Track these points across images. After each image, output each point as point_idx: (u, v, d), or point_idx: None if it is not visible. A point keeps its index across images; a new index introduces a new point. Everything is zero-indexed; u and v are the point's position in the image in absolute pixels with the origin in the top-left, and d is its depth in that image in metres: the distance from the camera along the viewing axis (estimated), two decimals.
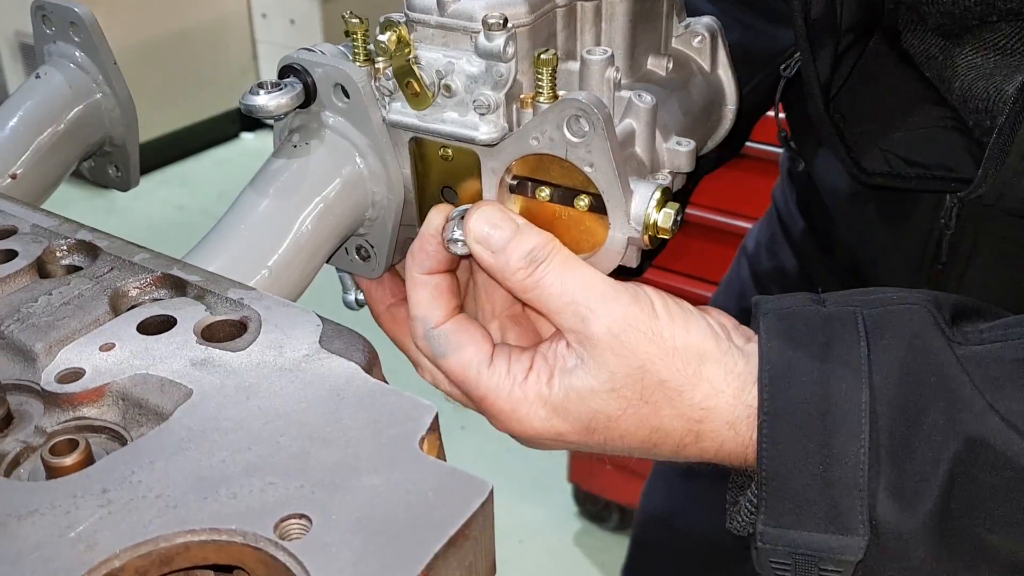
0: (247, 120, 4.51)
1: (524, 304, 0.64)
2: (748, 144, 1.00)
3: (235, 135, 4.50)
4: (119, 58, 0.73)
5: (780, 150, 1.08)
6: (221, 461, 0.39)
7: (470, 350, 0.62)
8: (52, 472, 0.40)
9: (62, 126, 0.73)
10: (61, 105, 0.73)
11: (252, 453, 0.39)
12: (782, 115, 0.93)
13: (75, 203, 3.61)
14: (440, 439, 0.42)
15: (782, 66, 0.85)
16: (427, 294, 0.62)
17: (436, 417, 0.41)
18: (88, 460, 0.40)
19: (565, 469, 2.33)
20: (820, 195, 0.97)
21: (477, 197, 0.63)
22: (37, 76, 0.74)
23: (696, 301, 0.63)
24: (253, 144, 4.50)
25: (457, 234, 0.60)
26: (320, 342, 0.46)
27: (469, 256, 0.61)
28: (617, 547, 2.34)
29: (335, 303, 0.71)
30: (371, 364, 0.46)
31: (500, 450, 2.51)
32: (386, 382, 0.45)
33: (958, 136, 0.76)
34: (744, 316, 0.91)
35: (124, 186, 0.79)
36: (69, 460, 0.40)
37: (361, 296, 0.71)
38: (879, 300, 0.61)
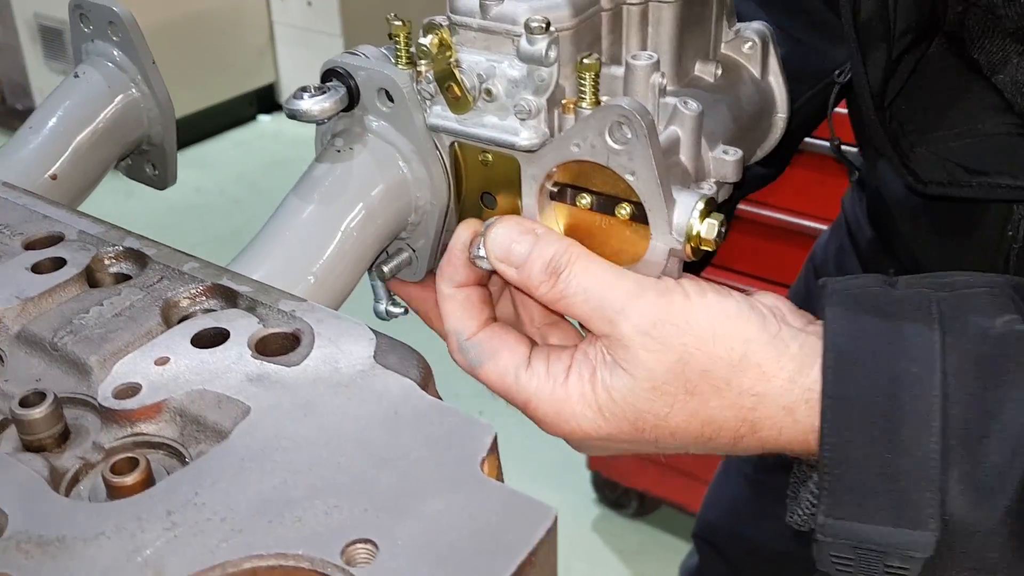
0: (264, 102, 4.50)
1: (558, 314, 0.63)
2: (813, 141, 0.98)
3: (252, 117, 4.50)
4: None
5: (851, 148, 1.06)
6: (283, 482, 0.39)
7: (504, 356, 0.61)
8: (113, 491, 0.40)
9: (101, 125, 0.73)
10: (99, 104, 0.73)
11: (314, 474, 0.39)
12: (840, 125, 0.91)
13: None
14: (499, 460, 0.42)
15: (836, 72, 0.83)
16: (458, 306, 0.63)
17: (495, 438, 0.41)
18: (149, 479, 0.40)
19: (584, 456, 2.33)
20: (887, 204, 0.95)
21: (516, 203, 0.62)
22: (76, 76, 0.73)
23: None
24: (270, 126, 4.50)
25: (482, 251, 0.60)
26: (375, 357, 0.46)
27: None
28: (635, 534, 2.35)
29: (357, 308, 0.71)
30: (426, 380, 0.45)
31: (519, 436, 2.51)
32: (440, 398, 0.45)
33: None
34: None
35: (161, 184, 0.79)
36: (130, 479, 0.40)
37: (392, 307, 0.71)
38: (955, 283, 0.58)
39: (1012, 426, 0.53)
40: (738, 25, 0.70)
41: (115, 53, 0.74)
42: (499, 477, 0.41)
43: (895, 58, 0.72)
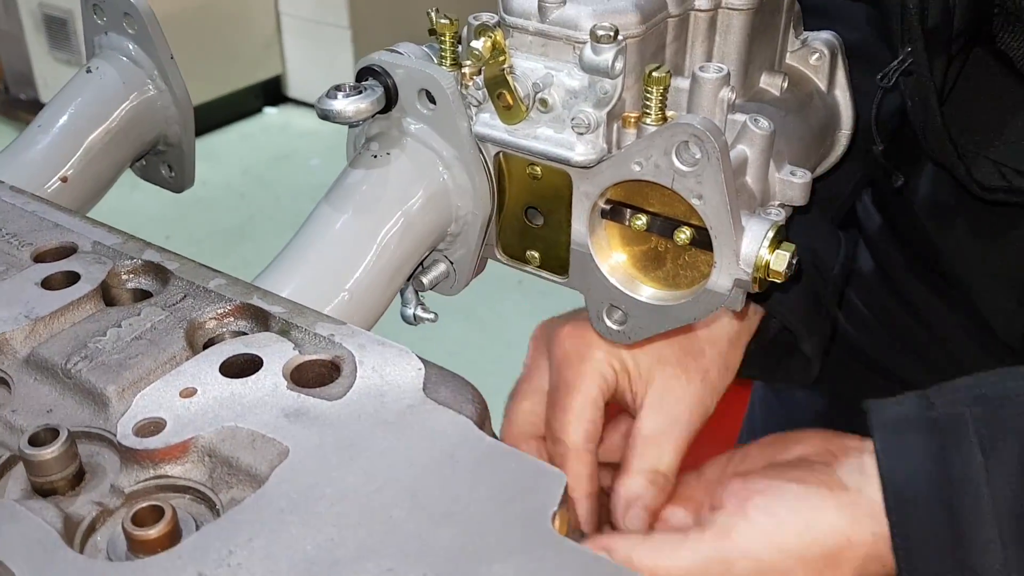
0: (270, 94, 4.46)
1: None
2: None
3: (258, 109, 4.45)
4: None
5: None
6: (329, 539, 0.34)
7: None
8: (136, 545, 0.35)
9: (115, 124, 0.68)
10: (114, 102, 0.68)
11: (363, 531, 0.35)
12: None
13: None
14: (570, 514, 0.37)
15: (879, 76, 0.79)
16: None
17: (567, 487, 0.36)
18: (175, 530, 0.36)
19: None
20: (903, 193, 0.92)
21: (564, 220, 0.58)
22: (88, 71, 0.69)
23: None
24: (276, 119, 4.45)
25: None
26: (424, 390, 0.41)
27: None
28: None
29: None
30: (482, 418, 0.41)
31: None
32: (496, 438, 0.41)
33: None
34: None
35: (178, 187, 0.74)
36: (155, 532, 0.35)
37: (421, 312, 0.66)
38: (986, 397, 0.59)
39: None
40: (805, 34, 0.65)
41: (130, 47, 0.69)
42: (570, 533, 0.36)
43: (952, 55, 0.69)
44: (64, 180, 0.66)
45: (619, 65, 0.51)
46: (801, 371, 0.78)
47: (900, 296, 0.96)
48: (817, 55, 0.64)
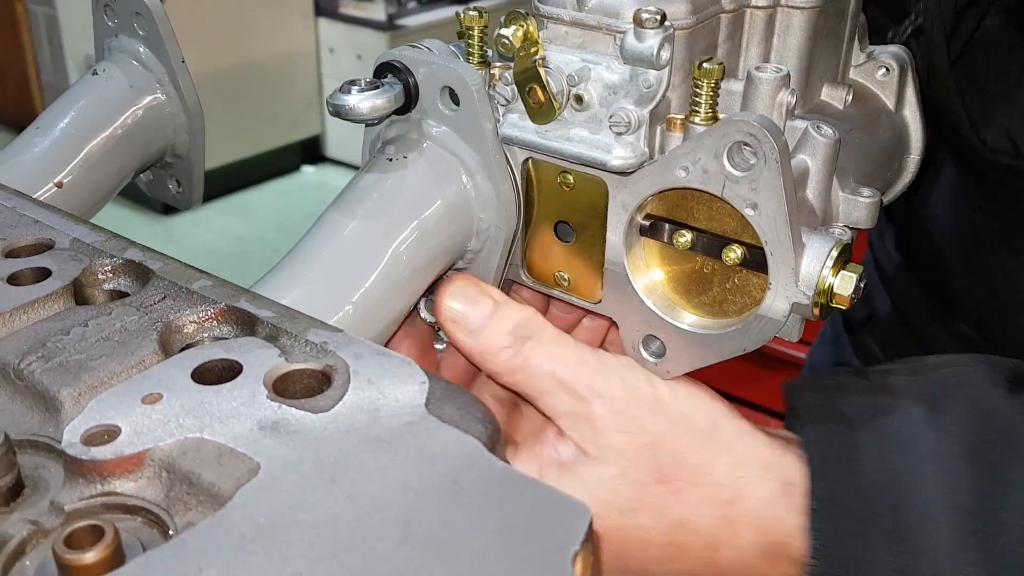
0: (309, 153, 4.47)
1: (507, 389, 0.55)
2: None
3: (296, 167, 4.46)
4: None
5: None
6: (297, 574, 0.28)
7: None
8: (67, 573, 0.29)
9: (119, 131, 0.64)
10: (119, 107, 0.64)
11: (339, 564, 0.28)
12: None
13: (134, 228, 3.58)
14: (594, 554, 0.30)
15: (889, 34, 0.74)
16: None
17: (591, 523, 0.30)
18: (116, 556, 0.30)
19: None
20: (924, 226, 0.87)
21: (599, 236, 0.52)
22: (94, 73, 0.64)
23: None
24: (314, 177, 4.46)
25: (425, 314, 0.55)
26: (427, 406, 0.35)
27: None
28: None
29: None
30: (493, 440, 0.35)
31: None
32: (507, 462, 0.34)
33: None
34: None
35: (186, 204, 0.69)
36: (90, 556, 0.29)
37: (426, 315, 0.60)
38: (926, 366, 0.54)
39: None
40: (871, 47, 0.59)
41: (141, 50, 0.65)
42: None
43: (959, 9, 0.64)
44: (59, 186, 0.61)
45: (665, 54, 0.45)
46: None
47: (920, 343, 0.90)
48: (884, 70, 0.58)
